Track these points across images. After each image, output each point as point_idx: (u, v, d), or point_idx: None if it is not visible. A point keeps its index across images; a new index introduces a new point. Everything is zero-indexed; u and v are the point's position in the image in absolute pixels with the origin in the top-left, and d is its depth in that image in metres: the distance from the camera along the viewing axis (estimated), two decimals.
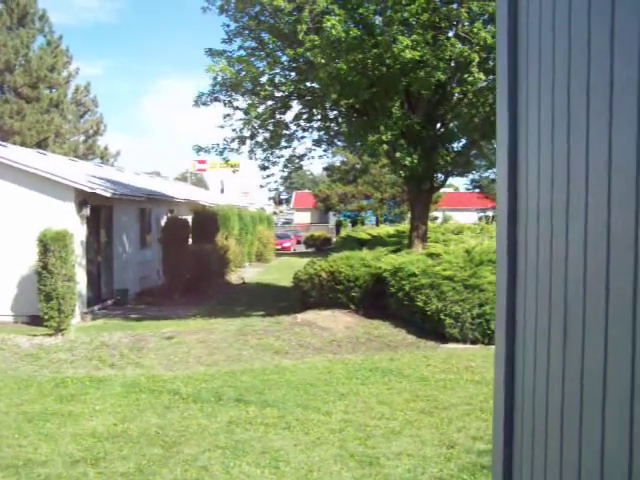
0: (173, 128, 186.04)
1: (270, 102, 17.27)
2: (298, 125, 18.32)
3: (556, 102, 2.18)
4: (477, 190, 68.48)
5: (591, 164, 1.87)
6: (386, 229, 31.66)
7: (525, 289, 2.33)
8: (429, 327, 12.95)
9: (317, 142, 19.47)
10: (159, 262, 21.47)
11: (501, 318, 2.50)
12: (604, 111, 1.76)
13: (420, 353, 11.69)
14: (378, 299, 14.86)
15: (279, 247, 44.84)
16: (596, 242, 1.81)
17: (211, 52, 16.90)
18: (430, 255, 14.86)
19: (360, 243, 23.07)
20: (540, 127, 2.28)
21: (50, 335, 13.26)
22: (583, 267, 1.90)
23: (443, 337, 12.52)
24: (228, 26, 17.15)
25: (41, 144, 31.77)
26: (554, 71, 2.19)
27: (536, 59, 2.36)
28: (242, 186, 65.51)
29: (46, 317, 13.42)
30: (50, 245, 13.35)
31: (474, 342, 12.28)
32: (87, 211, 16.29)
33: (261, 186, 21.64)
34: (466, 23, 14.60)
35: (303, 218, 73.28)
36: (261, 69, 16.31)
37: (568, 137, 2.07)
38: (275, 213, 76.69)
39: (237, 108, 17.66)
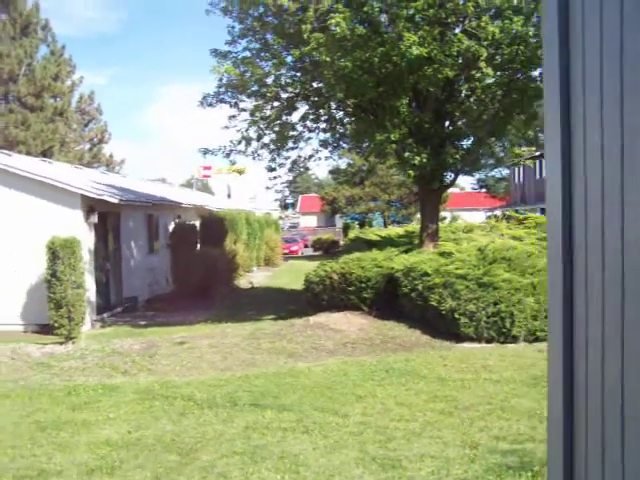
0: (177, 135, 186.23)
1: (276, 103, 17.12)
2: (304, 126, 18.16)
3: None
4: (484, 190, 68.35)
5: None
6: (395, 230, 31.48)
7: (586, 287, 2.13)
8: (443, 327, 12.76)
9: (323, 143, 19.31)
10: (168, 268, 21.38)
11: (556, 317, 2.30)
12: None
13: (436, 353, 11.51)
14: (390, 300, 14.67)
15: (287, 251, 44.84)
16: None
17: (216, 53, 16.76)
18: (442, 254, 14.66)
19: (369, 244, 22.84)
20: (603, 109, 2.08)
21: (61, 343, 13.13)
22: None
23: (458, 336, 12.33)
24: (233, 28, 17.02)
25: (46, 153, 31.71)
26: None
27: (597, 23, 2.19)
28: (249, 191, 65.58)
29: (56, 325, 13.29)
30: (59, 252, 13.23)
31: (489, 341, 12.09)
32: (95, 218, 16.20)
33: (267, 188, 21.60)
34: (473, 18, 14.42)
35: (309, 222, 73.22)
36: (267, 70, 16.18)
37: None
38: (281, 217, 76.63)
39: (243, 110, 17.52)
